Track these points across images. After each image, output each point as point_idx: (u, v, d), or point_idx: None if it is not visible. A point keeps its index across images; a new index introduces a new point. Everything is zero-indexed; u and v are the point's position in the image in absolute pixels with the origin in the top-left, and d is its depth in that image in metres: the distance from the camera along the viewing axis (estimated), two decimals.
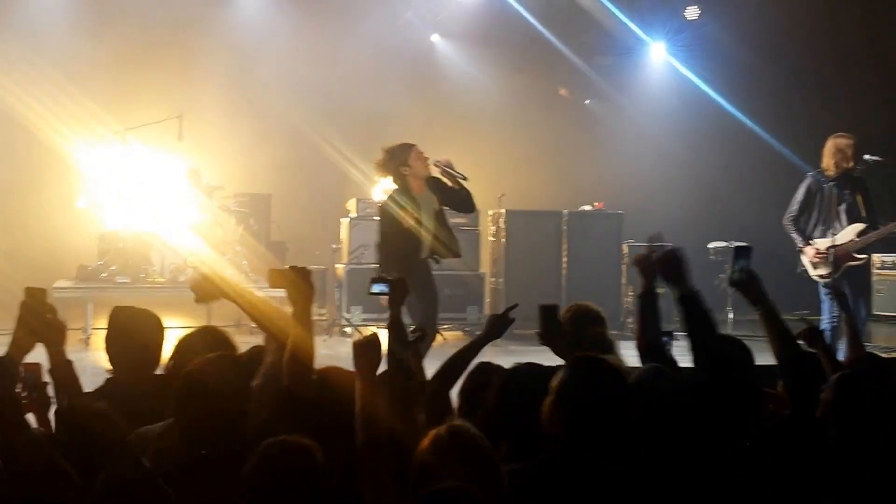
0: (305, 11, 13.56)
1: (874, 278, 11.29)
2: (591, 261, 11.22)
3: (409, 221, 6.82)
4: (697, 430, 3.26)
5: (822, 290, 7.77)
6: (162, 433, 3.15)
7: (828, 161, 7.86)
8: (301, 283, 3.35)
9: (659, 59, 14.06)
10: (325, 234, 12.45)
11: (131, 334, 3.76)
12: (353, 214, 11.70)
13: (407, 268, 6.58)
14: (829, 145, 7.88)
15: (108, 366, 3.81)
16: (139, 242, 11.29)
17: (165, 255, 11.47)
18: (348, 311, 10.58)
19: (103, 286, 10.53)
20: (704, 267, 11.70)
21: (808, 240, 7.89)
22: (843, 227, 7.82)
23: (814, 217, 7.92)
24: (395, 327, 3.75)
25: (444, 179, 7.01)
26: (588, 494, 2.86)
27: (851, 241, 7.78)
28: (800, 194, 7.98)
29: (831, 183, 7.84)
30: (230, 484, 2.58)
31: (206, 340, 3.66)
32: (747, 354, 3.70)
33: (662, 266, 3.88)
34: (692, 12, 12.76)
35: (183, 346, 3.68)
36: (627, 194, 12.60)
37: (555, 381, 3.04)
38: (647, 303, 4.03)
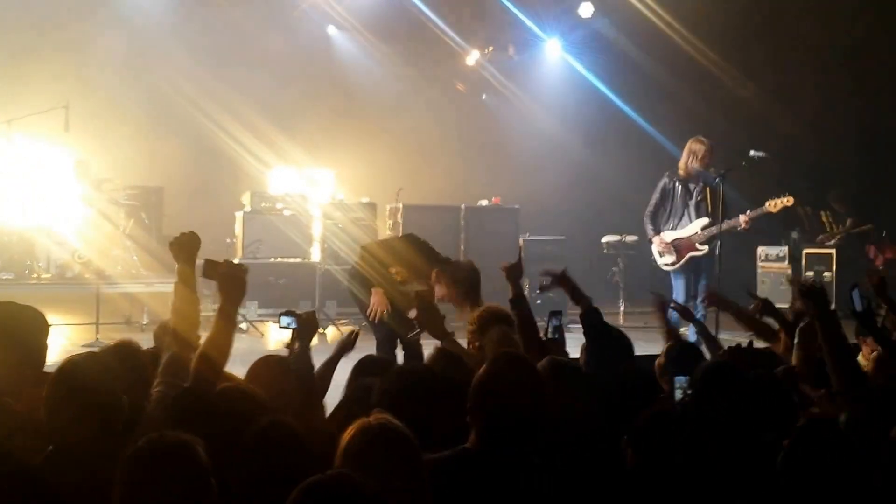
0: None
1: (758, 271, 11.98)
2: (488, 255, 11.17)
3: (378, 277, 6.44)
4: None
5: (672, 276, 8.70)
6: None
7: (681, 162, 8.70)
8: (234, 278, 3.41)
9: (554, 56, 14.22)
10: (218, 227, 12.22)
11: (12, 331, 3.60)
12: (248, 208, 11.52)
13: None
14: (685, 148, 8.70)
15: None
16: (24, 237, 10.93)
17: (52, 251, 11.13)
18: (243, 307, 10.41)
19: None
20: (598, 260, 11.92)
21: (658, 232, 8.75)
22: (691, 222, 8.63)
23: (667, 212, 8.77)
24: (301, 361, 3.84)
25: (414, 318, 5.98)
26: (502, 488, 2.87)
27: (695, 233, 8.59)
28: (656, 192, 8.83)
29: (683, 182, 8.66)
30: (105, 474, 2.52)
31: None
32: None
33: (564, 288, 4.74)
34: (586, 9, 12.91)
35: None
36: (524, 189, 12.71)
37: (476, 376, 3.09)
38: (521, 304, 4.56)
